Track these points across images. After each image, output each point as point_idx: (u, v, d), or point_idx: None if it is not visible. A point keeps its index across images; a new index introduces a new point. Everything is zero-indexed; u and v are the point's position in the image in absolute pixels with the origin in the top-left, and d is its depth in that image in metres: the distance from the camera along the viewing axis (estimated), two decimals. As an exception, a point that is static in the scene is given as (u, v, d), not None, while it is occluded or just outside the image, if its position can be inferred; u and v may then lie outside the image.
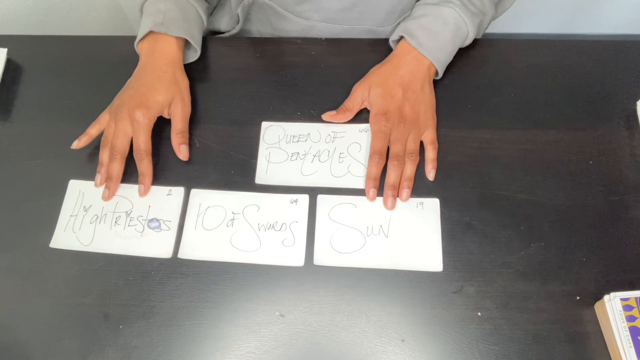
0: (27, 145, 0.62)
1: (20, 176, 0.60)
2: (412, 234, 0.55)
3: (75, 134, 0.60)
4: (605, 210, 0.55)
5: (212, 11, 0.77)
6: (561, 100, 0.62)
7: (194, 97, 0.63)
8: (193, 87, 0.64)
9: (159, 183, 0.59)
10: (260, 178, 0.59)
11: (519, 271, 0.53)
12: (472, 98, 0.63)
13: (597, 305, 0.50)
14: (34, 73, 0.68)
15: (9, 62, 0.68)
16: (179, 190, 0.58)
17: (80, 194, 0.58)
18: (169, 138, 0.60)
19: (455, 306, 0.51)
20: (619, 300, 0.48)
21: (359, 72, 0.63)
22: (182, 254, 0.55)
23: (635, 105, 0.61)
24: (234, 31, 0.74)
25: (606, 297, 0.48)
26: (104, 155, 0.58)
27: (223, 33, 0.77)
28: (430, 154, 0.58)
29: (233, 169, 0.59)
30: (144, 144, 0.57)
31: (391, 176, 0.56)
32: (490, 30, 0.68)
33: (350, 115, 0.61)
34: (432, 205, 0.56)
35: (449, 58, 0.62)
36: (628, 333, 0.46)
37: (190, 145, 0.61)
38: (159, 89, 0.59)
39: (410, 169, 0.57)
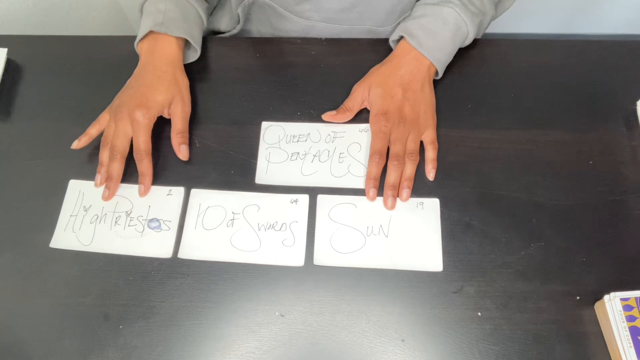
0: (27, 145, 0.62)
1: (20, 176, 0.60)
2: (412, 234, 0.55)
3: (75, 134, 0.60)
4: (605, 210, 0.55)
5: (212, 11, 0.77)
6: (561, 100, 0.62)
7: (194, 97, 0.63)
8: (193, 87, 0.64)
9: (159, 183, 0.59)
10: (260, 178, 0.59)
11: (519, 271, 0.53)
12: (472, 98, 0.63)
13: (597, 305, 0.50)
14: (34, 73, 0.68)
15: (9, 62, 0.68)
16: (179, 190, 0.58)
17: (80, 194, 0.58)
18: (169, 138, 0.60)
19: (455, 306, 0.51)
20: (619, 300, 0.48)
21: (359, 72, 0.63)
22: (182, 254, 0.55)
23: (635, 105, 0.61)
24: (234, 31, 0.74)
25: (606, 297, 0.48)
26: (104, 155, 0.58)
27: (223, 33, 0.77)
28: (430, 154, 0.58)
29: (233, 169, 0.59)
30: (144, 144, 0.57)
31: (391, 176, 0.56)
32: (490, 30, 0.68)
33: (350, 115, 0.61)
34: (432, 205, 0.56)
35: (449, 58, 0.62)
36: (628, 333, 0.46)
37: (190, 145, 0.61)
38: (159, 89, 0.59)
39: (410, 169, 0.57)
